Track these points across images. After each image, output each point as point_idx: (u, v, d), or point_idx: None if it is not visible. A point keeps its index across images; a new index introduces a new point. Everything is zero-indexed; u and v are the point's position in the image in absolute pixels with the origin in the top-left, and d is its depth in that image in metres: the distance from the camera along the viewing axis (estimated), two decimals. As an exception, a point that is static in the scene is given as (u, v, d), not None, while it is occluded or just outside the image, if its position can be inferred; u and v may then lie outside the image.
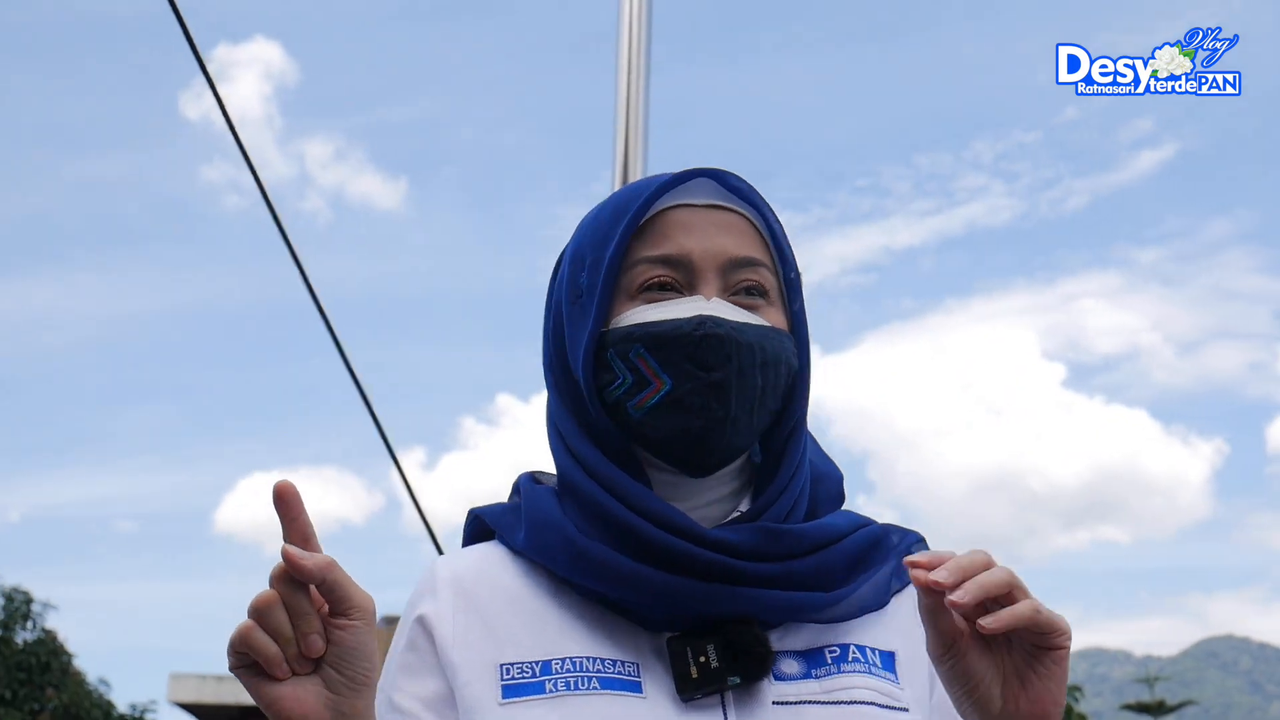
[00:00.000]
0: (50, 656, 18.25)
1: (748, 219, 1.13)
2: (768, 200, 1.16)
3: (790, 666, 1.07)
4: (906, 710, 1.07)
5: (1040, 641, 0.91)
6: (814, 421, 1.20)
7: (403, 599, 1.17)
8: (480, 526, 1.20)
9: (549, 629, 1.07)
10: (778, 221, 1.15)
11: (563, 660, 1.05)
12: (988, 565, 0.91)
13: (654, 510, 1.06)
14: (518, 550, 1.12)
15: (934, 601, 0.90)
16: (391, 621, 2.39)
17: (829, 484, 1.19)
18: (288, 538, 0.88)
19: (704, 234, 1.10)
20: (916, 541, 1.17)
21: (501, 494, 1.24)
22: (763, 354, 1.07)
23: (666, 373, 1.06)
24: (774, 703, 1.04)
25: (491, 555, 1.14)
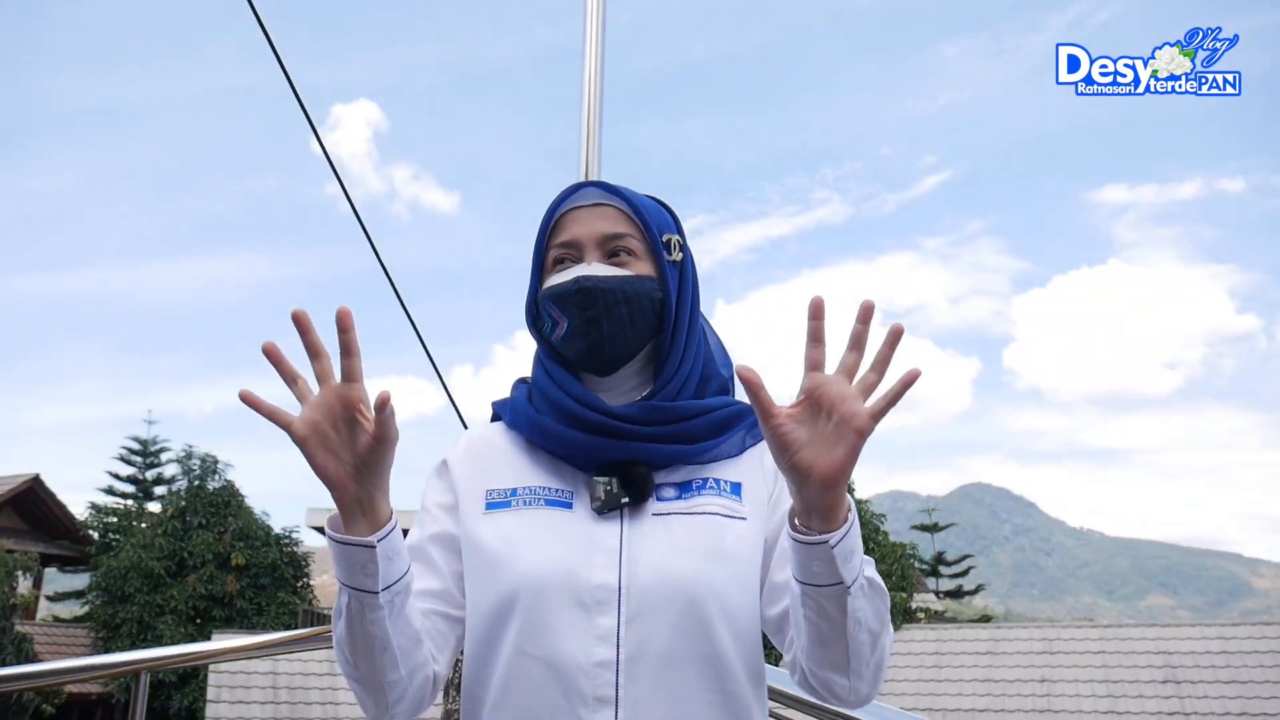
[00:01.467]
0: (230, 497, 23.09)
1: (619, 209, 1.54)
2: (659, 197, 1.60)
3: (668, 493, 1.47)
4: (745, 519, 1.45)
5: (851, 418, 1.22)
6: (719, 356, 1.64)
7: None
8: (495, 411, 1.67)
9: (519, 468, 1.52)
10: (646, 207, 1.54)
11: (525, 487, 1.49)
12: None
13: (578, 394, 1.51)
14: (507, 424, 1.59)
15: (754, 388, 1.21)
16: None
17: (717, 380, 1.59)
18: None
19: (587, 223, 1.53)
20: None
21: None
22: (624, 293, 1.48)
23: (565, 315, 1.50)
24: (653, 514, 1.44)
25: (495, 428, 1.61)
